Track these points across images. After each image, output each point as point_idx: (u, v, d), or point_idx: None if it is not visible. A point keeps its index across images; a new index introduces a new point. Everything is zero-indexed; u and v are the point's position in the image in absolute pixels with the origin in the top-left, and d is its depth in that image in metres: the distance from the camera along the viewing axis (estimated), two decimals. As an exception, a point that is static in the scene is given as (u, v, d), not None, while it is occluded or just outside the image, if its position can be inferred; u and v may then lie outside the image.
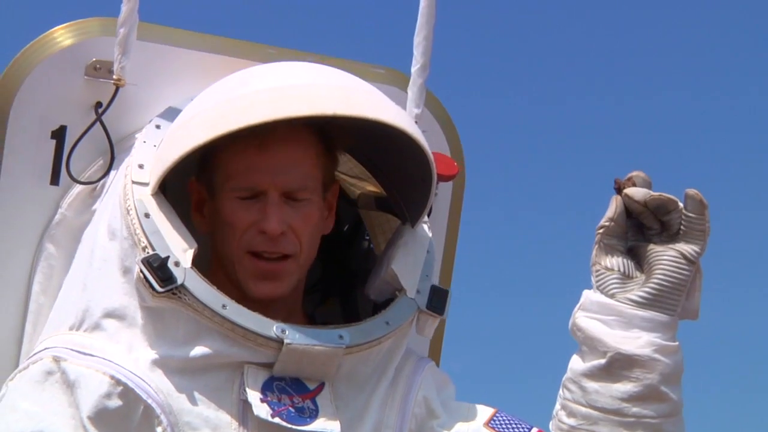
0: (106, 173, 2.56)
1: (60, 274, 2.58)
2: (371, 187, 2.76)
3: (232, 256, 2.41)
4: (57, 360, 2.28)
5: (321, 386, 2.33)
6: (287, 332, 2.27)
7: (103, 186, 2.57)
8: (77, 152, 2.57)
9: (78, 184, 2.57)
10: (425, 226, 2.62)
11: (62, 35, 2.59)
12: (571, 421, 2.37)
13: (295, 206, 2.41)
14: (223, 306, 2.27)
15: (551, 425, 2.44)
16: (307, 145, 2.45)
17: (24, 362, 2.38)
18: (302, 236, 2.42)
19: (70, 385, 2.25)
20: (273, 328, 2.27)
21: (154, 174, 2.39)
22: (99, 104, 2.57)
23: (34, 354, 2.37)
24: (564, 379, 2.42)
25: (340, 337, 2.33)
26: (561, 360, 2.48)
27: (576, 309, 2.40)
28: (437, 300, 2.49)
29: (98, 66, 2.56)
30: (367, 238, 2.89)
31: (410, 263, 2.52)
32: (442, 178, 2.58)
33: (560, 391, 2.43)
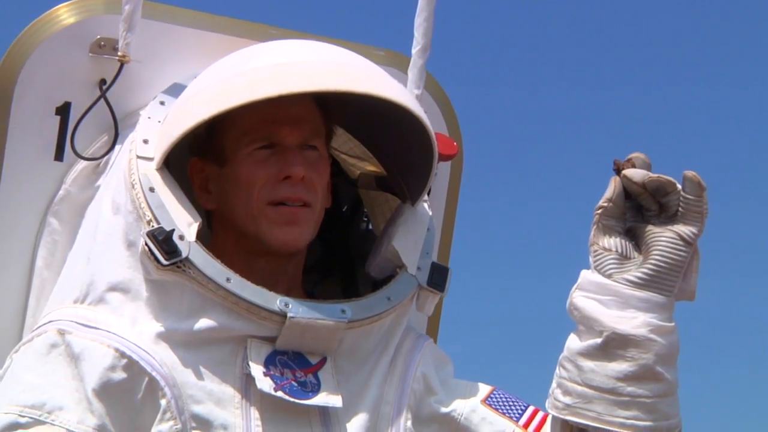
0: (110, 149, 2.55)
1: (63, 249, 2.58)
2: (371, 167, 2.77)
3: (252, 212, 2.40)
4: (61, 333, 2.28)
5: (323, 361, 2.34)
6: (290, 306, 2.27)
7: (106, 162, 2.56)
8: (81, 128, 2.56)
9: (82, 160, 2.57)
10: (425, 205, 2.63)
11: (66, 13, 2.58)
12: (567, 399, 2.35)
13: (310, 158, 2.42)
14: (227, 279, 2.26)
15: (547, 403, 2.42)
16: (312, 107, 2.47)
17: (28, 335, 2.38)
18: (317, 187, 2.43)
19: (74, 358, 2.25)
20: (276, 301, 2.27)
21: (159, 149, 2.38)
22: (103, 81, 2.56)
23: (39, 327, 2.36)
24: (560, 357, 2.40)
25: (343, 311, 2.33)
26: (557, 340, 2.46)
27: (574, 288, 2.38)
28: (438, 277, 2.51)
29: (103, 43, 2.56)
30: (365, 219, 2.90)
31: (411, 240, 2.53)
32: (442, 157, 2.58)
33: (556, 370, 2.41)
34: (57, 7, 2.59)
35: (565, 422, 2.34)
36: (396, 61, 2.73)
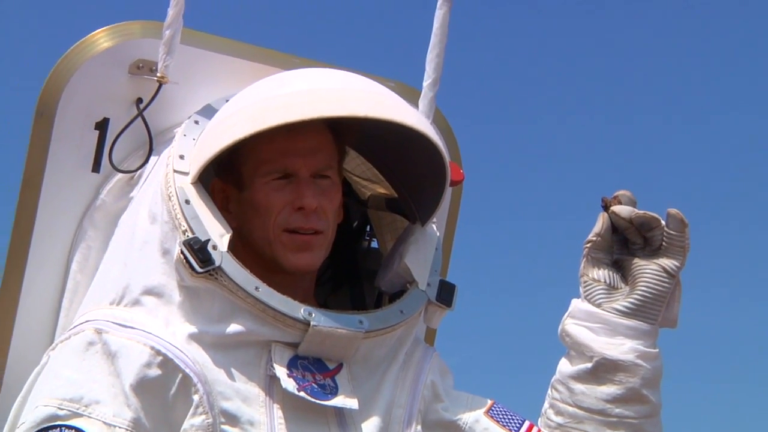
0: (144, 163, 2.59)
1: (96, 254, 2.61)
2: (381, 190, 2.81)
3: (268, 237, 2.42)
4: (99, 332, 2.29)
5: (339, 366, 2.36)
6: (314, 315, 2.31)
7: (140, 175, 2.60)
8: (117, 143, 2.60)
9: (117, 172, 2.60)
10: (433, 226, 2.66)
11: (104, 37, 2.64)
12: (559, 419, 2.42)
13: (322, 187, 2.45)
14: (256, 288, 2.29)
15: (540, 422, 2.49)
16: (326, 135, 2.49)
17: (65, 333, 2.39)
18: (329, 214, 2.46)
19: (110, 356, 2.26)
20: (301, 310, 2.31)
21: (195, 164, 2.41)
22: (140, 100, 2.61)
23: (76, 326, 2.37)
24: (553, 380, 2.46)
25: (360, 322, 2.36)
26: (546, 357, 2.56)
27: (565, 316, 2.44)
28: (445, 293, 2.54)
29: (141, 65, 2.61)
30: (367, 237, 2.95)
31: (421, 259, 2.56)
32: (451, 183, 2.60)
33: (549, 391, 2.47)
34: (96, 31, 2.65)
35: None
36: (405, 93, 2.74)
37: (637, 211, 2.40)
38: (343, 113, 2.36)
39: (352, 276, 2.89)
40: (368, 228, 2.95)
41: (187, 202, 2.37)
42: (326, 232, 2.45)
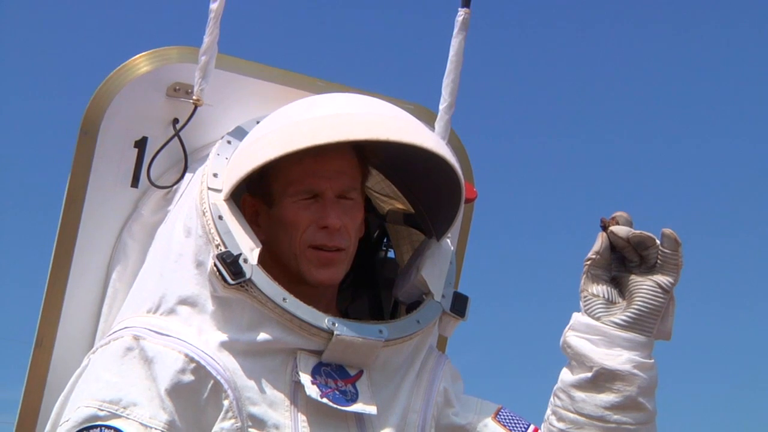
0: (180, 179, 2.62)
1: (134, 264, 2.63)
2: (399, 205, 2.84)
3: (295, 251, 2.46)
4: (136, 338, 2.33)
5: (360, 373, 2.40)
6: (337, 325, 2.35)
7: (175, 190, 2.63)
8: (155, 160, 2.64)
9: (154, 188, 2.64)
10: (448, 241, 2.69)
11: (144, 61, 2.67)
12: (561, 425, 2.44)
13: (345, 206, 2.48)
14: (284, 299, 2.34)
15: (543, 427, 2.51)
16: (350, 157, 2.52)
17: (105, 338, 2.43)
18: (351, 232, 2.50)
19: (147, 361, 2.30)
20: (325, 320, 2.35)
21: (228, 182, 2.44)
22: (176, 120, 2.65)
23: (115, 332, 2.41)
24: (555, 388, 2.47)
25: (380, 331, 2.41)
26: (549, 366, 2.58)
27: (566, 329, 2.45)
28: (459, 304, 2.59)
29: (177, 88, 2.65)
30: (384, 248, 2.98)
31: (437, 272, 2.59)
32: (465, 200, 2.61)
33: (551, 399, 2.48)
34: (136, 56, 2.68)
35: None
36: (423, 114, 2.78)
37: (633, 230, 2.41)
38: (366, 137, 2.40)
39: (371, 283, 2.92)
40: (385, 239, 2.98)
41: (220, 217, 2.41)
42: (348, 248, 2.49)
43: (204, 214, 2.43)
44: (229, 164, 2.50)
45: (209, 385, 2.29)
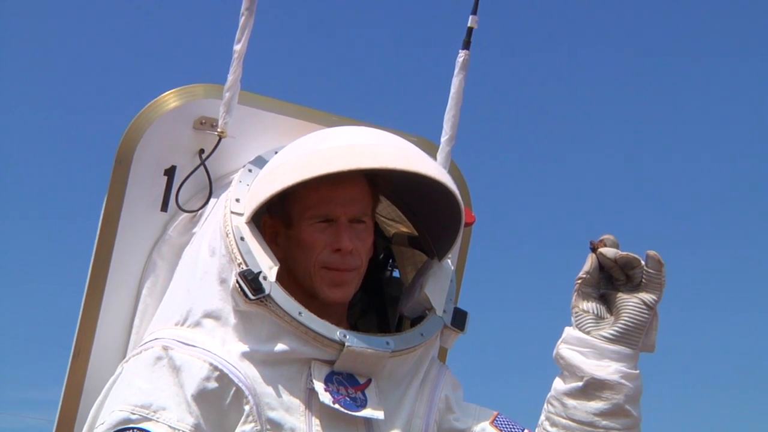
0: (205, 204, 2.66)
1: (163, 281, 2.67)
2: (404, 229, 2.89)
3: (310, 271, 2.49)
4: (165, 348, 2.38)
5: (369, 381, 2.44)
6: (348, 337, 2.40)
7: (201, 214, 2.67)
8: (182, 187, 2.68)
9: (183, 212, 2.68)
10: (449, 261, 2.74)
11: (173, 97, 2.72)
12: (554, 430, 2.47)
13: (357, 230, 2.52)
14: (299, 313, 2.38)
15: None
16: (363, 185, 2.56)
17: (137, 349, 2.47)
18: (362, 254, 2.54)
19: (175, 369, 2.35)
20: (337, 333, 2.39)
21: (249, 206, 2.48)
22: (202, 151, 2.70)
23: (146, 342, 2.46)
24: (548, 396, 2.51)
25: (387, 343, 2.45)
26: (542, 376, 2.61)
27: (559, 342, 2.49)
28: (459, 319, 2.63)
29: (203, 121, 2.70)
30: (390, 268, 3.00)
31: (438, 289, 2.63)
32: (464, 224, 2.65)
33: (545, 406, 2.51)
34: (166, 93, 2.74)
35: None
36: (426, 146, 2.77)
37: (620, 252, 2.44)
38: (376, 165, 2.45)
39: (378, 300, 2.95)
40: (391, 260, 3.01)
41: (242, 239, 2.45)
42: (359, 268, 2.53)
43: (227, 235, 2.47)
44: (250, 190, 2.54)
45: (232, 392, 2.34)
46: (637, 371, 2.45)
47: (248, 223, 2.50)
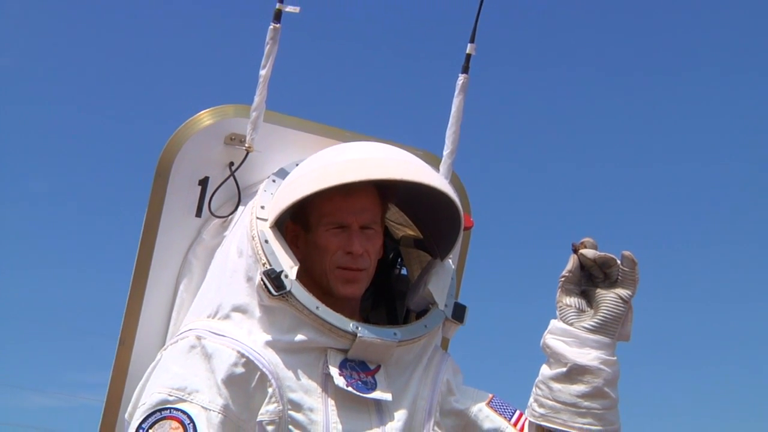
0: (234, 210, 2.73)
1: (197, 278, 2.73)
2: (411, 232, 2.95)
3: (325, 270, 2.55)
4: (199, 338, 2.44)
5: (378, 367, 2.51)
6: (360, 328, 2.47)
7: (231, 219, 2.74)
8: (214, 195, 2.74)
9: (215, 218, 2.74)
10: (450, 261, 2.80)
11: (207, 116, 2.79)
12: (541, 410, 2.51)
13: (367, 236, 2.58)
14: (317, 307, 2.45)
15: (527, 412, 2.57)
16: (374, 196, 2.62)
17: (174, 338, 2.53)
18: (372, 256, 2.59)
19: (207, 356, 2.41)
20: (350, 325, 2.46)
21: (272, 213, 2.54)
22: (231, 163, 2.77)
23: (182, 333, 2.52)
24: (536, 380, 2.54)
25: (395, 333, 2.51)
26: (532, 362, 2.64)
27: (545, 333, 2.53)
28: (459, 312, 2.69)
29: (233, 137, 2.77)
30: (398, 267, 3.05)
31: (441, 286, 2.69)
32: (464, 228, 2.73)
33: (533, 389, 2.55)
34: (200, 112, 2.81)
35: (539, 426, 2.53)
36: (429, 159, 2.83)
37: (599, 253, 2.49)
38: (385, 176, 2.52)
39: (387, 295, 2.98)
40: (399, 260, 3.06)
41: (266, 241, 2.51)
42: (368, 269, 2.59)
43: (253, 238, 2.53)
44: (274, 198, 2.61)
45: (257, 376, 2.40)
46: (615, 358, 2.49)
47: (272, 227, 2.55)
